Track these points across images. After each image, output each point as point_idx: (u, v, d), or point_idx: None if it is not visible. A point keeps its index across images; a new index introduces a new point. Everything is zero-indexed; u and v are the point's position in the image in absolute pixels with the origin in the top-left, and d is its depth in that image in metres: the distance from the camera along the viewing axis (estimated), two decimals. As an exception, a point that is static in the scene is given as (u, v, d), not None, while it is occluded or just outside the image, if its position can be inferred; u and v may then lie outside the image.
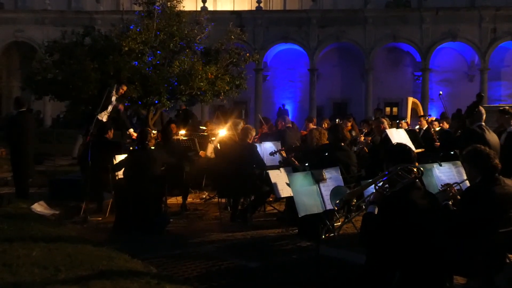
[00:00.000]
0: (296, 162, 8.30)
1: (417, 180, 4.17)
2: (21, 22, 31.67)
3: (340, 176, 5.71)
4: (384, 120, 9.35)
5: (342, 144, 8.12)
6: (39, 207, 9.12)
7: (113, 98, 11.59)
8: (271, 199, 9.60)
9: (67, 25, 22.77)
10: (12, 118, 10.52)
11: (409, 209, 3.94)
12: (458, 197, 4.81)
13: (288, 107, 32.65)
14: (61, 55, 14.36)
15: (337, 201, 4.42)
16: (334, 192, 4.59)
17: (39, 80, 14.14)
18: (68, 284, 5.01)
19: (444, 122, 12.30)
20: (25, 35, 31.69)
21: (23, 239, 6.68)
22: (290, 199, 7.97)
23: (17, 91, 30.87)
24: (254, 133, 9.24)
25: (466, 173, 5.04)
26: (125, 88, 11.98)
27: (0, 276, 5.10)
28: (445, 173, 6.17)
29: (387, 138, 8.77)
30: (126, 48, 13.29)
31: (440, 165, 6.22)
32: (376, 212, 4.04)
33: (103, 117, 11.53)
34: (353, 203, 4.72)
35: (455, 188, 4.93)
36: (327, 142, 8.39)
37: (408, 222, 3.90)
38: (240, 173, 8.57)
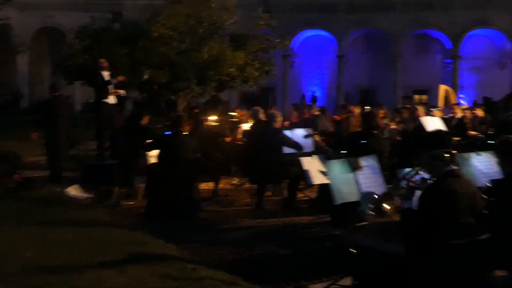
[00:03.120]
0: (331, 150, 8.25)
1: (457, 168, 4.10)
2: (51, 8, 31.92)
3: (377, 164, 5.64)
4: (419, 107, 9.18)
5: (375, 131, 8.03)
6: (73, 191, 9.21)
7: (105, 74, 11.48)
8: (301, 186, 9.56)
9: (95, 11, 22.85)
10: (46, 102, 10.63)
11: (449, 197, 3.88)
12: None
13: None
14: (91, 40, 14.44)
15: (370, 205, 4.34)
16: (364, 199, 4.50)
17: (69, 65, 14.25)
18: (105, 268, 5.07)
19: (479, 109, 12.03)
20: (54, 21, 31.98)
21: (58, 223, 6.79)
22: (322, 186, 7.92)
23: (47, 76, 31.25)
24: (280, 118, 9.18)
25: (499, 164, 4.90)
26: (103, 60, 11.82)
27: (37, 258, 5.18)
28: (483, 163, 6.05)
29: (420, 126, 8.64)
30: (155, 34, 13.28)
31: (478, 155, 6.11)
32: (413, 206, 3.98)
33: (110, 99, 11.50)
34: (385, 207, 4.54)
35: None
36: (359, 129, 8.31)
37: (448, 210, 3.84)
38: (270, 159, 8.54)
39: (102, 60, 11.60)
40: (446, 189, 3.97)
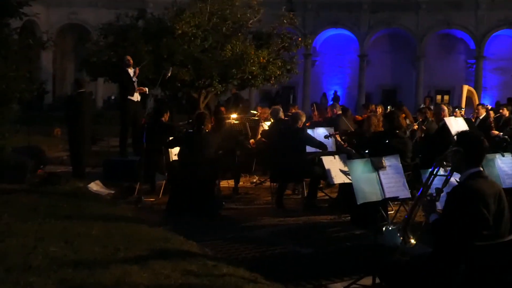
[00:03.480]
0: (353, 150, 8.23)
1: (483, 170, 4.06)
2: (75, 5, 32.28)
3: (400, 164, 5.61)
4: (445, 108, 9.08)
5: (398, 131, 7.98)
6: (95, 186, 9.34)
7: (130, 71, 11.48)
8: (322, 186, 9.56)
9: (120, 7, 23.07)
10: (71, 98, 10.75)
11: (477, 198, 3.84)
12: None
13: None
14: (115, 37, 14.56)
15: (398, 235, 4.31)
16: (389, 235, 4.46)
17: (94, 62, 14.39)
18: (128, 263, 5.11)
19: (504, 109, 11.81)
20: (79, 18, 32.30)
21: (82, 218, 6.86)
22: (343, 186, 7.92)
23: (70, 73, 31.59)
24: (304, 118, 9.18)
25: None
26: (129, 57, 11.78)
27: (63, 252, 5.25)
28: (507, 164, 6.00)
29: (445, 127, 8.56)
30: (180, 31, 13.35)
31: (503, 156, 6.06)
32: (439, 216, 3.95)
33: (135, 97, 11.58)
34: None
35: None
36: (382, 129, 8.27)
37: (477, 211, 3.80)
38: (292, 158, 8.55)
39: (128, 57, 11.70)
40: (475, 189, 3.92)
